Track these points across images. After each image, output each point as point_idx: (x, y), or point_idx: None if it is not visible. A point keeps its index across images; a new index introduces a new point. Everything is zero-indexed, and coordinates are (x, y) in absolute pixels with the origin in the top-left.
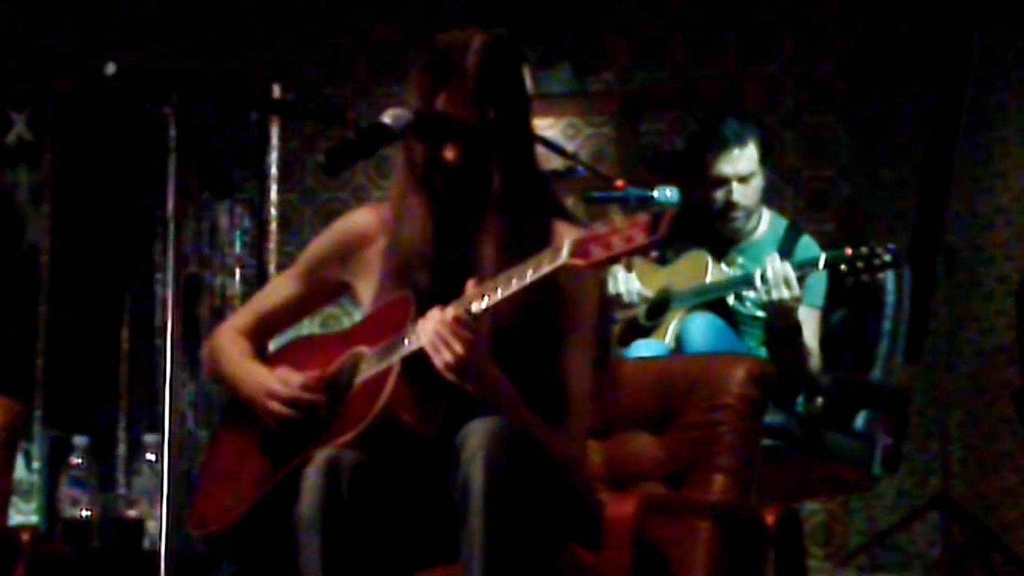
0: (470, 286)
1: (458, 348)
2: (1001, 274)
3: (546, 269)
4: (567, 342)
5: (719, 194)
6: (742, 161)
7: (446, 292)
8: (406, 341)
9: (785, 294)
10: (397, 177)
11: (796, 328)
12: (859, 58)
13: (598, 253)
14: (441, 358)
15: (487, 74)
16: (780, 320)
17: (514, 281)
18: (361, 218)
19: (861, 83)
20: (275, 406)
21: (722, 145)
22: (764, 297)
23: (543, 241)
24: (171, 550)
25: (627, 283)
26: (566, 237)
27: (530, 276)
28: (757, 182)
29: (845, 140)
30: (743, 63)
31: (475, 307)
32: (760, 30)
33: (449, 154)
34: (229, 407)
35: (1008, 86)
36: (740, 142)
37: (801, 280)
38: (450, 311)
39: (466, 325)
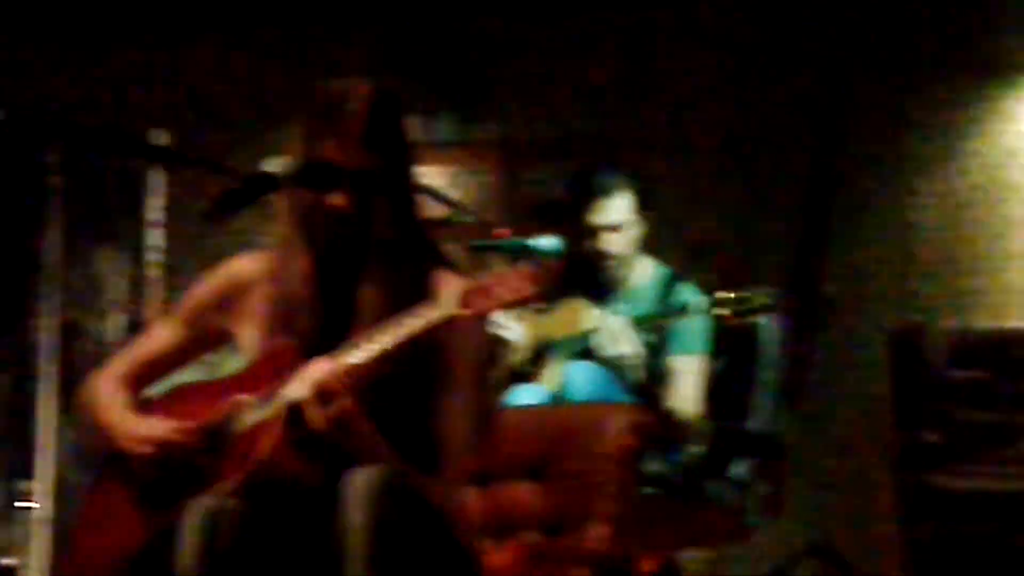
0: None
1: (332, 409)
2: (878, 324)
3: (431, 319)
4: (447, 391)
5: (589, 243)
6: (612, 211)
7: (329, 338)
8: (289, 389)
9: (626, 350)
10: (280, 225)
11: (647, 386)
12: (738, 109)
13: (482, 304)
14: (317, 417)
15: (374, 121)
16: (624, 377)
17: (399, 331)
18: (243, 265)
19: (741, 134)
20: (141, 448)
21: (592, 195)
22: (603, 353)
23: (425, 289)
24: None
25: (513, 330)
26: (449, 286)
27: (415, 326)
28: (630, 232)
29: (726, 191)
30: (624, 114)
31: (359, 358)
32: (641, 82)
33: (336, 200)
34: (107, 456)
35: (884, 138)
36: (609, 193)
37: (660, 329)
38: (330, 367)
39: (341, 386)
